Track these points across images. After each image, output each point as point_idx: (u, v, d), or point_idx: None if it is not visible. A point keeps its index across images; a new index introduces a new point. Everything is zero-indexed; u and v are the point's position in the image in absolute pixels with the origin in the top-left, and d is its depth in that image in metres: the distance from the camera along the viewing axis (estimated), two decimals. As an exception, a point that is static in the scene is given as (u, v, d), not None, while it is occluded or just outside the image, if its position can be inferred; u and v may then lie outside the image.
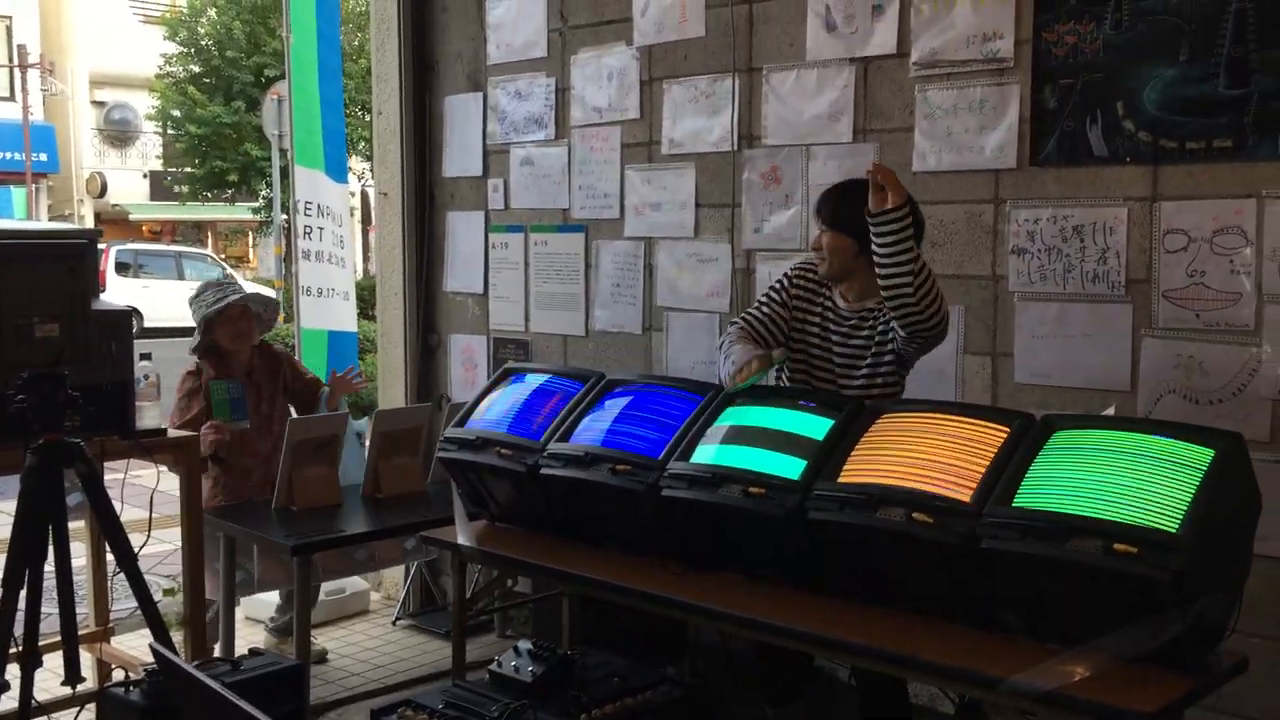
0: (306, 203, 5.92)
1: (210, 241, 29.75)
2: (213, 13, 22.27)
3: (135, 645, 4.37)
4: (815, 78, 4.08)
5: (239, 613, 4.53)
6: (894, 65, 3.89)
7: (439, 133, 5.34)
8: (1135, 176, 3.44)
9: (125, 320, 3.66)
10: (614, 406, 3.51)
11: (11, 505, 3.26)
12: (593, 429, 3.44)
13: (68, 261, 3.51)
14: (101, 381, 3.47)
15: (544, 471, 3.41)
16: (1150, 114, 3.39)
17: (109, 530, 3.03)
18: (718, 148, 4.36)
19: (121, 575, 3.22)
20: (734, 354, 3.28)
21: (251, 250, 30.58)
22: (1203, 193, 3.33)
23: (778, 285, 3.49)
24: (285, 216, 15.44)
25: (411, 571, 5.40)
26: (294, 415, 4.68)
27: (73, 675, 3.11)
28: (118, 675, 3.82)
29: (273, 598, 4.98)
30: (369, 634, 5.24)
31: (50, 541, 2.99)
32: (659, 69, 4.52)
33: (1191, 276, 3.35)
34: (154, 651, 1.77)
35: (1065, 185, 3.57)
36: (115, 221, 26.19)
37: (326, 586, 5.22)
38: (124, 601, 4.60)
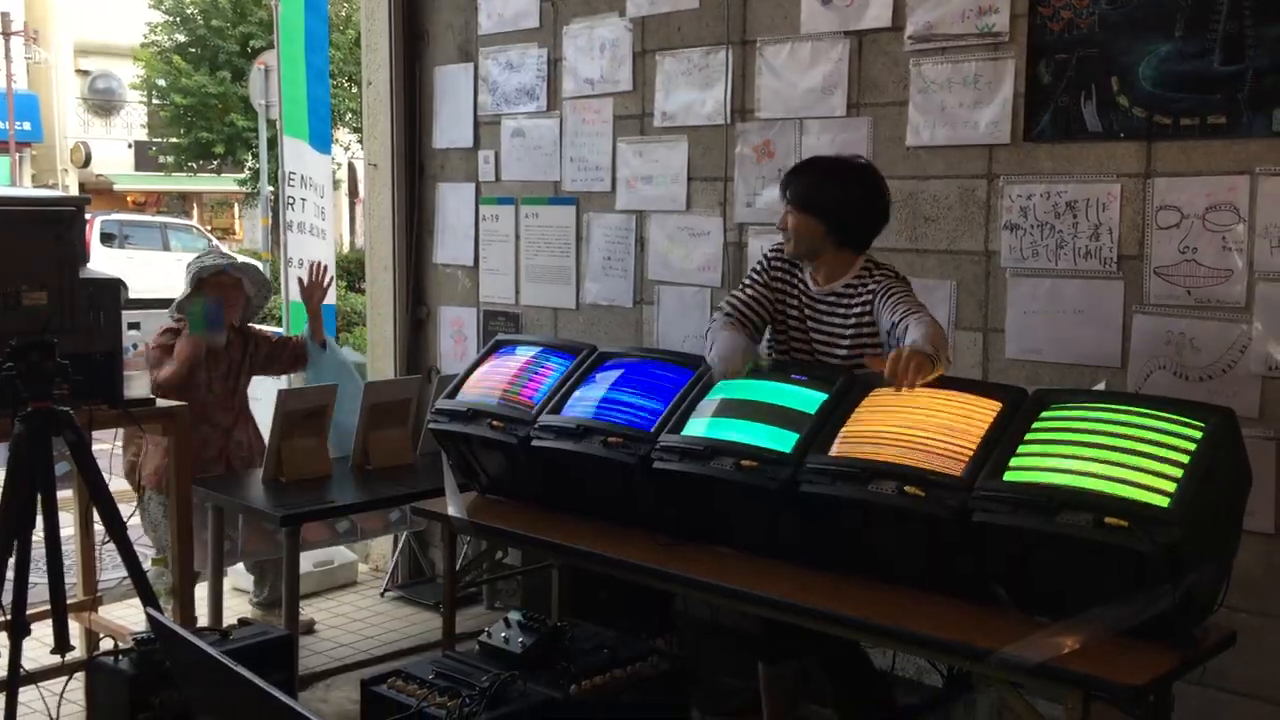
0: (290, 173, 5.89)
1: (196, 213, 29.56)
2: (199, -18, 22.07)
3: (122, 615, 4.36)
4: (809, 51, 4.06)
5: (225, 583, 4.52)
6: (888, 39, 3.88)
7: (429, 104, 5.30)
8: (1129, 152, 3.44)
9: (114, 289, 3.64)
10: (605, 379, 3.50)
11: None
12: (584, 401, 3.44)
13: (55, 228, 3.48)
14: (90, 350, 3.45)
15: (535, 443, 3.40)
16: (1145, 90, 3.39)
17: (98, 498, 3.02)
18: (710, 121, 4.34)
19: (108, 546, 3.21)
20: (718, 343, 3.26)
21: (237, 222, 30.41)
22: (1196, 169, 3.33)
23: (758, 267, 3.46)
24: (272, 188, 15.35)
25: (400, 543, 5.41)
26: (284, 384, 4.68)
27: (62, 644, 3.10)
28: (106, 645, 3.82)
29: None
30: (357, 605, 5.24)
31: (39, 510, 2.98)
32: (652, 41, 4.49)
33: (1183, 253, 3.35)
34: (149, 618, 1.76)
35: (1059, 161, 3.57)
36: (100, 192, 25.98)
37: (315, 557, 5.22)
38: (110, 572, 4.58)
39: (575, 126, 4.76)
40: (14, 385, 2.91)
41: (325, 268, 4.97)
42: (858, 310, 3.25)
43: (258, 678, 1.29)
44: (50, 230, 3.44)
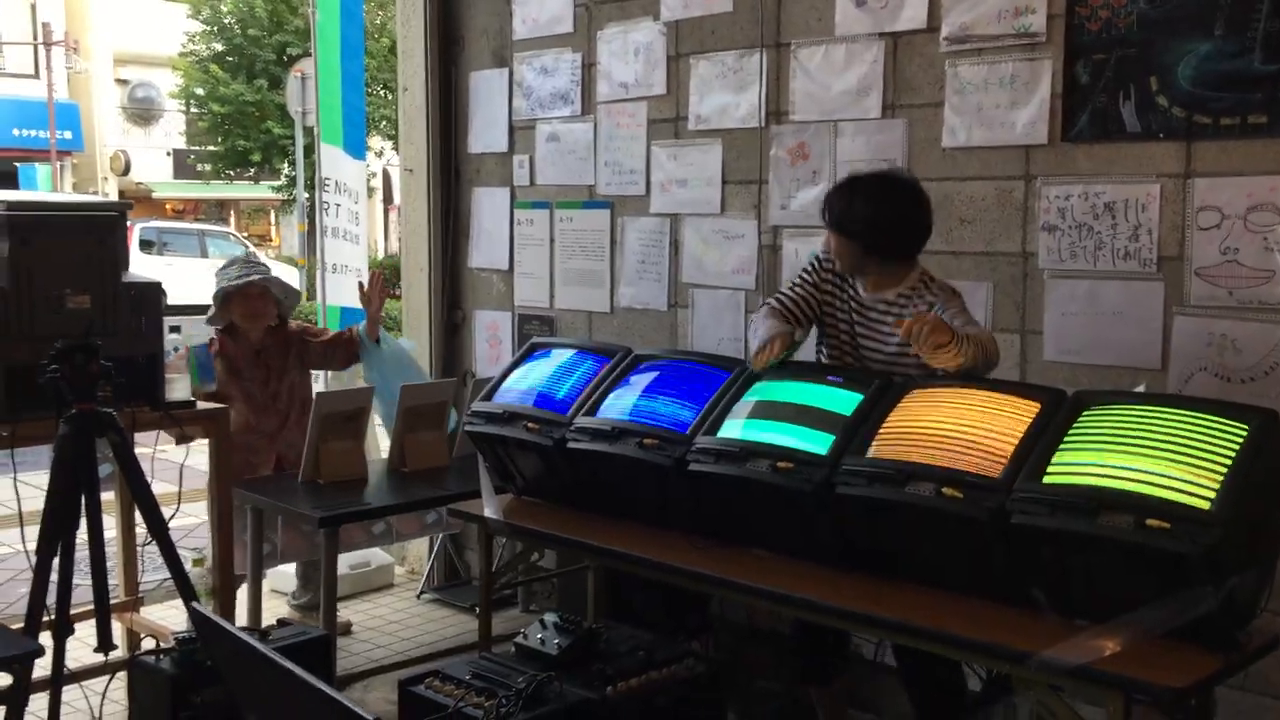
0: (326, 179, 5.95)
1: (233, 219, 29.86)
2: (236, -9, 22.30)
3: (163, 616, 4.41)
4: (844, 53, 4.06)
5: (264, 585, 4.56)
6: (924, 40, 3.86)
7: (465, 109, 5.33)
8: (1168, 153, 3.41)
9: (155, 292, 3.69)
10: (641, 381, 3.51)
11: (35, 476, 3.31)
12: (620, 403, 3.44)
13: (98, 233, 3.54)
14: (132, 353, 3.50)
15: (571, 445, 3.41)
16: (1184, 89, 3.36)
17: (141, 498, 3.05)
18: (745, 124, 4.34)
19: (148, 548, 3.25)
20: (760, 329, 3.29)
21: (274, 228, 30.69)
22: (1236, 169, 3.30)
23: (810, 268, 3.48)
24: (307, 195, 15.48)
25: (436, 546, 5.43)
26: (322, 386, 4.72)
27: (105, 643, 3.14)
28: (147, 644, 3.86)
29: (293, 569, 5.02)
30: (394, 607, 5.28)
31: (83, 511, 3.02)
32: (686, 44, 4.50)
33: (1224, 254, 3.32)
34: (192, 612, 1.78)
35: (1097, 161, 3.55)
36: (139, 199, 26.26)
37: (351, 560, 5.25)
38: (150, 574, 4.63)
39: (609, 130, 4.77)
40: (59, 387, 2.95)
41: (383, 275, 5.05)
42: (908, 317, 3.25)
43: (302, 670, 1.31)
44: (93, 235, 3.49)
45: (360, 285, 4.98)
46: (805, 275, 3.47)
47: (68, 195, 19.20)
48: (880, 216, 3.25)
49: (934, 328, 2.92)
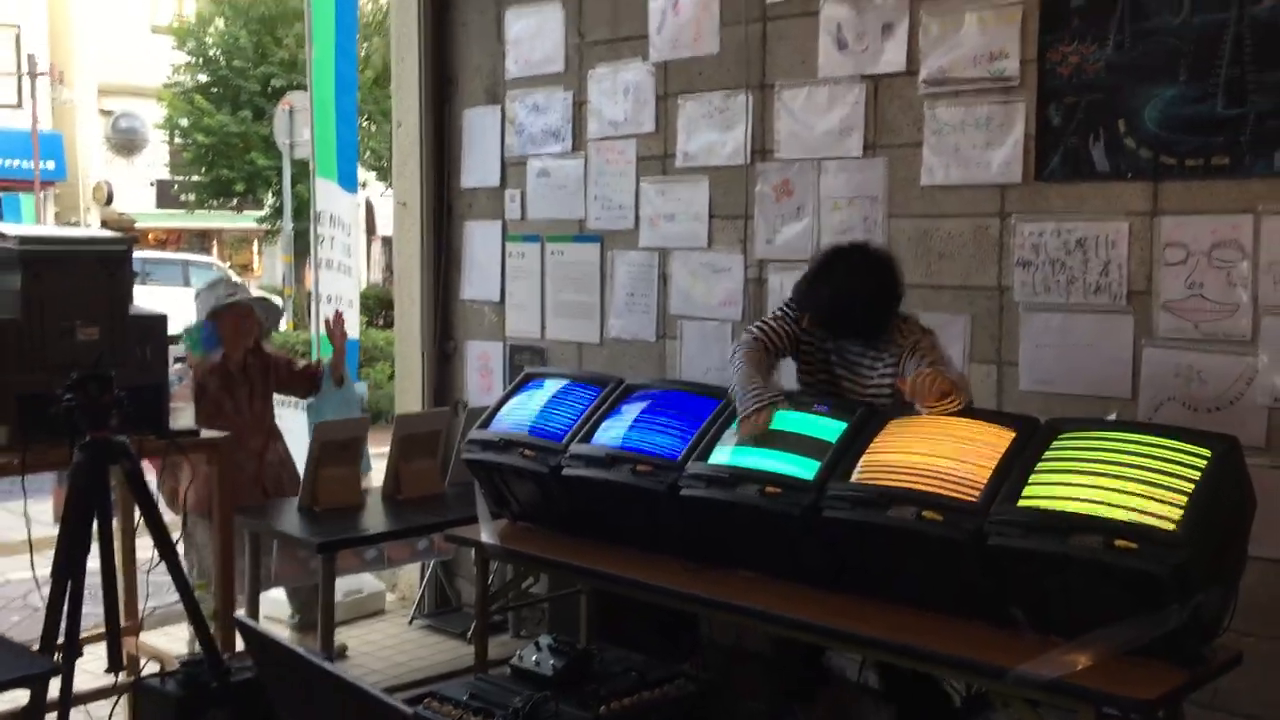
0: (320, 212, 6.07)
1: (215, 249, 29.86)
2: (220, 23, 22.42)
3: (163, 639, 4.49)
4: (827, 94, 4.21)
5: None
6: (903, 83, 4.03)
7: (457, 145, 5.47)
8: (1136, 192, 3.57)
9: (160, 324, 3.79)
10: (632, 410, 3.63)
11: (37, 504, 3.40)
12: (613, 431, 3.57)
13: (107, 267, 3.64)
14: (138, 383, 3.59)
15: (566, 472, 3.53)
16: (1151, 132, 3.52)
17: (151, 523, 3.15)
18: (731, 161, 4.49)
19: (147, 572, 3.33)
20: (741, 374, 3.35)
21: (256, 258, 30.70)
22: (1201, 208, 3.46)
23: (792, 304, 3.60)
24: (293, 225, 15.56)
25: (428, 573, 5.52)
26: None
27: (116, 662, 3.22)
28: (149, 668, 3.94)
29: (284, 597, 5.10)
30: (386, 633, 5.36)
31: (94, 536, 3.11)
32: (674, 84, 4.66)
33: (1190, 289, 3.48)
34: (241, 627, 1.88)
35: (1069, 200, 3.70)
36: (121, 230, 26.22)
37: (343, 586, 5.33)
38: (142, 601, 4.70)
39: (599, 167, 4.91)
40: (73, 416, 3.05)
41: (342, 312, 5.18)
42: (886, 358, 3.41)
43: (345, 673, 1.41)
44: (103, 269, 3.60)
45: (326, 322, 5.08)
46: (788, 310, 3.58)
47: (78, 230, 19.20)
48: (858, 310, 3.38)
49: (936, 382, 3.02)
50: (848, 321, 3.39)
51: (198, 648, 3.40)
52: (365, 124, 19.98)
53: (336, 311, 5.22)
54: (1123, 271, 3.60)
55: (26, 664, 2.94)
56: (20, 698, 3.00)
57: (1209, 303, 3.44)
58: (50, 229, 15.21)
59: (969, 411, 3.12)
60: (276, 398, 4.90)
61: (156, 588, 4.71)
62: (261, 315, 4.76)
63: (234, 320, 4.62)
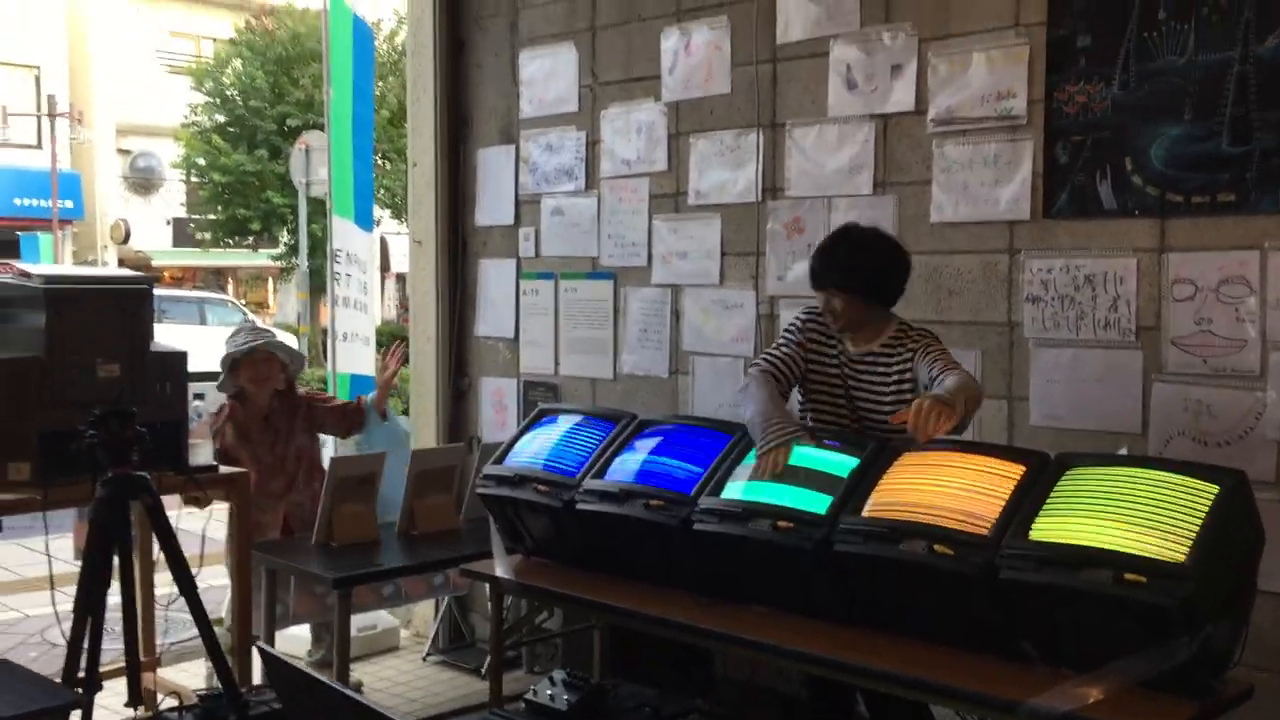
0: (337, 250, 6.15)
1: (231, 287, 30.09)
2: (238, 63, 22.73)
3: (179, 675, 4.52)
4: (837, 133, 4.28)
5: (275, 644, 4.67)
6: (912, 122, 4.09)
7: (472, 183, 5.55)
8: (1144, 229, 3.61)
9: (180, 361, 3.86)
10: (646, 445, 3.67)
11: (56, 540, 3.44)
12: (626, 466, 3.60)
13: (129, 305, 3.72)
14: (158, 419, 3.65)
15: (580, 507, 3.57)
16: (1157, 169, 3.57)
17: (170, 558, 3.19)
18: (742, 199, 4.55)
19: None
20: (762, 420, 3.36)
21: (271, 296, 30.92)
22: (1208, 244, 3.49)
23: (792, 328, 3.67)
24: (309, 263, 15.70)
25: (442, 609, 5.54)
26: (334, 451, 4.86)
27: (135, 696, 3.26)
28: (167, 703, 3.96)
29: (303, 631, 5.13)
30: (400, 669, 5.38)
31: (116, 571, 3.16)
32: (686, 123, 4.73)
33: (1199, 324, 3.51)
34: (264, 655, 1.92)
35: (1077, 236, 3.75)
36: (138, 268, 26.48)
37: (358, 622, 5.36)
38: (159, 637, 4.74)
39: (612, 205, 4.98)
40: (95, 452, 3.10)
41: (400, 346, 5.23)
42: (898, 367, 3.46)
43: (369, 700, 1.45)
44: (125, 307, 3.67)
45: (384, 352, 5.15)
46: (790, 334, 3.65)
47: (101, 269, 19.39)
48: (878, 267, 3.49)
49: (938, 415, 3.02)
50: (866, 270, 3.46)
51: (215, 682, 3.44)
52: (380, 162, 20.20)
53: (396, 342, 5.29)
54: (1131, 307, 3.63)
55: (49, 696, 2.98)
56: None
57: (1217, 338, 3.47)
58: (73, 268, 15.40)
59: (979, 446, 3.15)
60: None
61: (173, 623, 4.77)
62: (285, 359, 4.81)
63: (253, 367, 4.67)
